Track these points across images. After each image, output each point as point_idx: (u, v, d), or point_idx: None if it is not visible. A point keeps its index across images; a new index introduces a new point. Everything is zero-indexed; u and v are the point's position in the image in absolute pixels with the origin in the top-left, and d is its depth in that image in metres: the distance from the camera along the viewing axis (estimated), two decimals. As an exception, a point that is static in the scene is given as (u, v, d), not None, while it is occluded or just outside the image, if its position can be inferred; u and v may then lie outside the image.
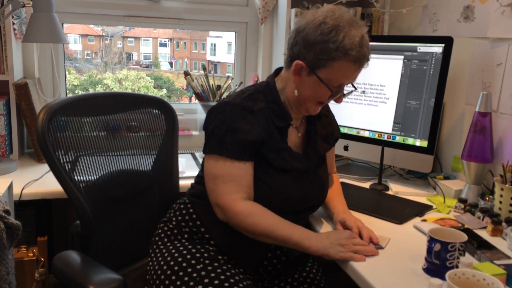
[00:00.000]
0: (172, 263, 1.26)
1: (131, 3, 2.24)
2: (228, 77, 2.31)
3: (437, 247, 1.10)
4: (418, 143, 1.75)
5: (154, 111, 1.60)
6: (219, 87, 2.27)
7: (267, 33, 2.38)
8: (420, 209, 1.55)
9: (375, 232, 1.30)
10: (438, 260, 1.10)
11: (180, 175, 1.70)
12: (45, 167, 1.87)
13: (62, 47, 2.24)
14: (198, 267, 1.24)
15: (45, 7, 1.71)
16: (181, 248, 1.30)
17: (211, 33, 3.26)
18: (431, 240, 1.12)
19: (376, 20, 2.16)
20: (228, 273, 1.23)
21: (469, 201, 1.57)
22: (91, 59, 3.40)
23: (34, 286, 1.69)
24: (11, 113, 1.94)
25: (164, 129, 1.63)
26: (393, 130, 1.81)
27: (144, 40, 3.66)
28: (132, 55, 3.67)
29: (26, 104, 1.91)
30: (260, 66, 2.44)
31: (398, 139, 1.79)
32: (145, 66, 3.69)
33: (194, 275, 1.22)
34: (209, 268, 1.23)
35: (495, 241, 1.32)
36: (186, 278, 1.22)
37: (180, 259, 1.26)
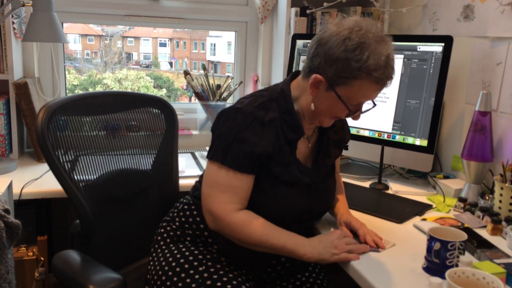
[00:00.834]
0: (174, 264, 1.25)
1: (131, 2, 2.24)
2: (228, 76, 2.31)
3: (437, 246, 1.10)
4: (418, 142, 1.75)
5: (154, 110, 1.60)
6: (219, 86, 2.27)
7: (267, 33, 2.38)
8: (420, 208, 1.55)
9: (378, 234, 1.30)
10: (438, 259, 1.10)
11: (180, 175, 1.69)
12: (45, 166, 1.88)
13: (62, 46, 2.24)
14: (200, 268, 1.23)
15: (45, 7, 1.71)
16: (183, 249, 1.29)
17: (211, 32, 3.26)
18: (431, 239, 1.11)
19: (376, 19, 2.16)
20: (230, 275, 1.23)
21: (469, 200, 1.57)
22: (91, 59, 3.40)
23: (34, 285, 1.69)
24: (10, 113, 1.94)
25: (164, 128, 1.62)
26: (393, 129, 1.81)
27: (144, 40, 3.66)
28: (132, 55, 3.67)
29: (26, 103, 1.91)
30: (260, 66, 2.44)
31: (398, 138, 1.79)
32: (145, 66, 3.69)
33: (196, 276, 1.21)
34: (212, 270, 1.23)
35: (495, 240, 1.32)
36: (188, 280, 1.21)
37: (182, 260, 1.25)
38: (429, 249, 1.12)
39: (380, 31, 1.17)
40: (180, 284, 1.21)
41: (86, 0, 2.17)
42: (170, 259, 1.27)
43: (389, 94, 1.81)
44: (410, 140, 1.76)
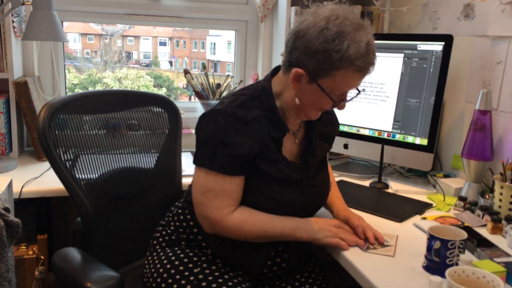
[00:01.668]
0: (168, 266, 1.25)
1: (130, 1, 2.23)
2: (228, 75, 2.31)
3: (437, 244, 1.10)
4: (418, 141, 1.74)
5: (155, 109, 1.60)
6: (219, 85, 2.27)
7: (267, 32, 2.38)
8: (420, 207, 1.55)
9: (378, 231, 1.30)
10: (438, 257, 1.10)
11: (180, 173, 1.70)
12: (45, 165, 1.88)
13: (61, 45, 2.24)
14: (195, 270, 1.23)
15: (45, 5, 1.70)
16: (178, 251, 1.29)
17: (211, 32, 3.26)
18: (431, 238, 1.11)
19: (376, 18, 2.16)
20: (226, 276, 1.22)
21: (469, 199, 1.57)
22: (90, 58, 3.39)
23: (34, 284, 1.69)
24: (10, 111, 1.94)
25: (167, 127, 1.62)
26: (393, 128, 1.81)
27: (143, 39, 3.66)
28: (132, 54, 3.66)
29: (25, 102, 1.91)
30: (260, 65, 2.44)
31: (398, 137, 1.79)
32: (144, 65, 3.68)
33: (192, 278, 1.21)
34: (207, 271, 1.22)
35: (495, 239, 1.32)
36: (183, 282, 1.21)
37: (177, 263, 1.25)
38: (429, 248, 1.12)
39: (358, 18, 1.14)
40: (175, 286, 1.21)
41: (86, -1, 2.18)
42: (165, 262, 1.27)
43: (389, 93, 1.81)
44: (410, 139, 1.76)
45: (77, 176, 1.36)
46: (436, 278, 1.02)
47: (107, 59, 3.40)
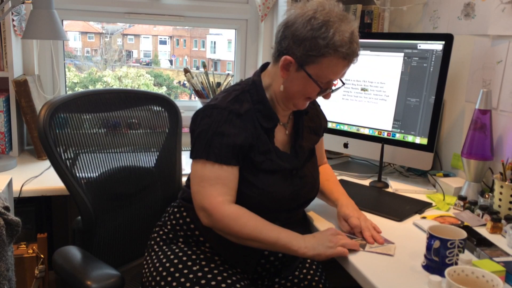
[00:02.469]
0: (167, 264, 1.26)
1: (131, 0, 2.23)
2: (228, 74, 2.31)
3: (436, 244, 1.10)
4: (418, 140, 1.75)
5: (155, 108, 1.60)
6: (219, 84, 2.27)
7: (267, 31, 2.38)
8: (420, 207, 1.55)
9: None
10: (437, 257, 1.10)
11: (180, 172, 1.70)
12: (45, 164, 1.88)
13: (62, 44, 2.24)
14: (194, 268, 1.23)
15: (45, 4, 1.70)
16: (176, 250, 1.29)
17: (211, 30, 3.25)
18: (431, 237, 1.12)
19: (377, 17, 2.16)
20: (225, 274, 1.23)
21: (468, 198, 1.57)
22: (91, 56, 3.39)
23: (34, 282, 1.69)
24: (10, 110, 1.94)
25: (168, 126, 1.63)
26: (393, 127, 1.81)
27: (144, 37, 3.65)
28: (132, 52, 3.66)
29: (25, 101, 1.91)
30: (260, 64, 2.41)
31: (398, 136, 1.79)
32: (145, 63, 3.68)
33: (191, 276, 1.21)
34: (206, 269, 1.23)
35: (494, 238, 1.32)
36: (182, 279, 1.21)
37: (176, 261, 1.26)
38: (428, 247, 1.12)
39: (343, 11, 1.23)
40: (174, 284, 1.21)
41: (86, -3, 2.17)
42: (164, 260, 1.27)
43: (389, 92, 1.81)
44: (410, 138, 1.76)
45: (77, 174, 1.36)
46: (436, 278, 1.02)
47: (107, 57, 3.39)
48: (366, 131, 1.88)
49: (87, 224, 1.38)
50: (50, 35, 1.73)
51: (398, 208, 1.53)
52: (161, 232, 1.37)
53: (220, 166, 1.20)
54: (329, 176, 1.51)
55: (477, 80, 1.72)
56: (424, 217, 1.48)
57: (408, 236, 1.33)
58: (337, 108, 1.91)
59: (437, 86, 1.69)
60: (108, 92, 1.53)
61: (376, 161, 1.84)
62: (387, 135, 1.82)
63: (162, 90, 3.29)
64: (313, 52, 1.19)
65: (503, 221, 1.38)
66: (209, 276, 1.21)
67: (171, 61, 3.69)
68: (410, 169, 1.95)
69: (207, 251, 1.29)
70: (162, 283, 1.23)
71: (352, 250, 1.21)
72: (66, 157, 1.33)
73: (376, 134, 1.85)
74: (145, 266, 1.33)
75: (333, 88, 1.30)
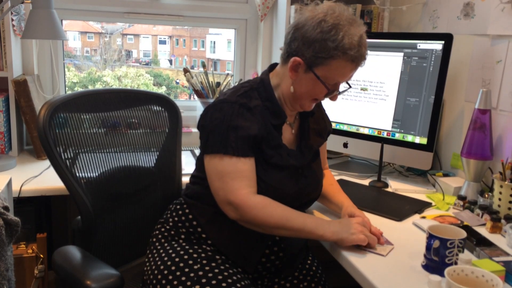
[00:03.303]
0: (169, 263, 1.26)
1: (130, 0, 2.23)
2: (228, 74, 2.31)
3: (436, 244, 1.10)
4: (417, 140, 1.75)
5: (155, 108, 1.60)
6: (218, 84, 2.27)
7: (267, 30, 2.38)
8: (419, 206, 1.56)
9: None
10: (437, 257, 1.10)
11: (179, 172, 1.70)
12: (44, 163, 1.88)
13: (61, 44, 2.24)
14: (195, 267, 1.23)
15: (44, 4, 1.70)
16: (178, 248, 1.29)
17: (211, 30, 3.26)
18: (430, 237, 1.12)
19: (376, 17, 2.16)
20: (226, 273, 1.23)
21: (468, 198, 1.57)
22: (90, 56, 3.39)
23: (33, 282, 1.69)
24: (10, 110, 1.94)
25: (168, 126, 1.63)
26: (392, 127, 1.81)
27: (143, 37, 3.65)
28: (132, 52, 3.66)
29: (25, 101, 1.91)
30: (260, 63, 2.44)
31: (398, 136, 1.79)
32: (144, 63, 3.68)
33: (192, 274, 1.21)
34: (207, 268, 1.23)
35: (494, 238, 1.32)
36: (183, 278, 1.21)
37: (177, 259, 1.26)
38: (428, 247, 1.12)
39: (352, 15, 1.25)
40: (175, 283, 1.21)
41: (85, -3, 2.17)
42: (165, 259, 1.27)
43: (389, 92, 1.81)
44: (409, 138, 1.76)
45: (77, 174, 1.36)
46: (435, 277, 1.02)
47: (106, 57, 3.39)
48: (365, 131, 1.88)
49: (86, 224, 1.38)
50: (49, 35, 1.73)
51: (398, 208, 1.53)
52: (162, 229, 1.37)
53: (238, 159, 1.21)
54: (332, 181, 1.53)
55: (477, 80, 1.73)
56: (423, 217, 1.48)
57: (407, 236, 1.33)
58: (337, 107, 1.91)
59: (437, 86, 1.69)
60: (107, 92, 1.53)
61: (376, 160, 1.84)
62: (387, 135, 1.82)
63: (162, 90, 3.29)
64: (322, 54, 1.21)
65: (502, 221, 1.38)
66: (210, 275, 1.21)
67: (170, 61, 3.69)
68: (410, 169, 1.95)
69: (208, 249, 1.29)
70: (163, 281, 1.23)
71: (352, 250, 1.22)
72: (66, 156, 1.33)
73: (375, 133, 1.85)
74: (147, 264, 1.33)
75: (340, 90, 1.32)
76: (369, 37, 1.90)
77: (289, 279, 1.38)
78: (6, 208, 1.25)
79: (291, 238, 1.31)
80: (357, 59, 1.23)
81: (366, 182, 1.82)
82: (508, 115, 1.59)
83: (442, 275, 0.99)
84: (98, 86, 3.06)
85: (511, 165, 1.44)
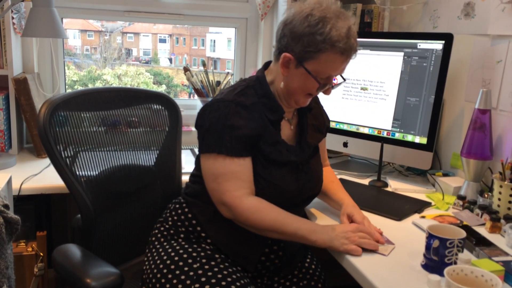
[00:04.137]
0: (168, 261, 1.26)
1: (131, -2, 2.23)
2: (228, 73, 2.31)
3: (435, 243, 1.10)
4: (417, 140, 1.75)
5: (155, 106, 1.60)
6: (218, 83, 2.27)
7: (267, 29, 2.38)
8: (419, 206, 1.56)
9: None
10: (436, 256, 1.11)
11: (179, 171, 1.70)
12: (44, 162, 1.88)
13: (61, 42, 2.24)
14: (195, 265, 1.23)
15: (45, 2, 1.70)
16: (177, 247, 1.29)
17: (211, 29, 3.25)
18: (430, 237, 1.12)
19: (376, 16, 2.16)
20: (225, 272, 1.23)
21: (468, 198, 1.57)
22: (90, 54, 3.39)
23: (33, 280, 1.69)
24: (10, 108, 1.94)
25: (168, 124, 1.63)
26: (392, 126, 1.81)
27: (143, 36, 3.65)
28: (132, 50, 3.66)
29: (25, 99, 1.91)
30: (260, 62, 2.44)
31: (398, 135, 1.80)
32: (144, 62, 3.68)
33: (191, 273, 1.22)
34: (206, 266, 1.23)
35: (493, 238, 1.32)
36: (182, 277, 1.21)
37: (176, 258, 1.26)
38: (427, 247, 1.12)
39: (340, 8, 1.25)
40: (174, 281, 1.21)
41: (86, -5, 2.17)
42: (165, 257, 1.27)
43: (389, 92, 1.81)
44: (409, 137, 1.77)
45: (77, 173, 1.36)
46: (435, 277, 1.03)
47: (106, 56, 3.39)
48: (365, 130, 1.88)
49: (86, 222, 1.38)
50: (49, 33, 1.73)
51: (398, 208, 1.54)
52: (162, 228, 1.37)
53: (232, 160, 1.22)
54: (334, 178, 1.53)
55: (477, 80, 1.73)
56: (423, 217, 1.48)
57: (407, 236, 1.34)
58: (336, 107, 1.91)
59: (437, 86, 1.69)
60: (107, 91, 1.53)
61: (376, 160, 1.84)
62: (387, 135, 1.82)
63: (162, 89, 3.29)
64: (311, 48, 1.21)
65: (502, 221, 1.38)
66: (209, 273, 1.21)
67: (170, 60, 3.69)
68: (410, 169, 1.95)
69: (207, 248, 1.29)
70: (163, 280, 1.23)
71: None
72: (66, 155, 1.33)
73: (375, 133, 1.85)
74: (146, 263, 1.33)
75: (334, 84, 1.32)
76: (370, 37, 1.91)
77: (288, 277, 1.38)
78: (6, 206, 1.26)
79: None
80: (347, 51, 1.22)
81: (366, 181, 1.83)
82: (508, 115, 1.59)
83: (441, 274, 0.99)
84: (98, 84, 3.06)
85: (511, 165, 1.44)
